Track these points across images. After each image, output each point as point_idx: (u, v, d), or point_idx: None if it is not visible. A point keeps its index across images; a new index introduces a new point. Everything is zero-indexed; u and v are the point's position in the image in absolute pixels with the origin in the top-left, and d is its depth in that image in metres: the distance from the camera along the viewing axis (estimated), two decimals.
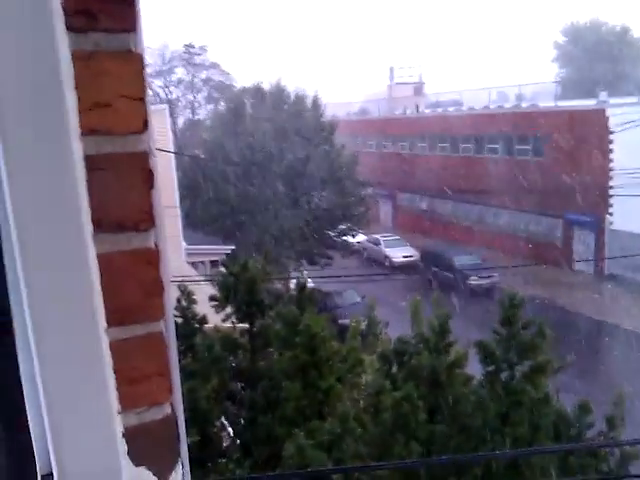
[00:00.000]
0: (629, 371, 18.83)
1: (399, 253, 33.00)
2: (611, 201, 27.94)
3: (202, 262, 22.44)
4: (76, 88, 0.81)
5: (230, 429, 7.41)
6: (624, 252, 24.03)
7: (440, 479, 6.14)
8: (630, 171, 24.50)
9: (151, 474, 0.93)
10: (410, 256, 32.63)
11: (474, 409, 6.43)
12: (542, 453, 6.14)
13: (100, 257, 0.86)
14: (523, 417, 6.28)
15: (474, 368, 7.07)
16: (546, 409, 6.47)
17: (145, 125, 0.86)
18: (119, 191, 0.86)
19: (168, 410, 0.93)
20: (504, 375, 6.62)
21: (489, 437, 6.27)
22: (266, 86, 28.54)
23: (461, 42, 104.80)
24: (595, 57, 55.08)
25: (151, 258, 0.89)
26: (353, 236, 30.03)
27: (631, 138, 25.55)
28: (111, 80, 0.83)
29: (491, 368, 6.63)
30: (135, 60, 0.85)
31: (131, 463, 0.91)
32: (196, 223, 26.63)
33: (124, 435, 0.90)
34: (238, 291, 7.45)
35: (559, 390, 6.94)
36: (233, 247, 22.83)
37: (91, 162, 0.83)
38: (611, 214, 28.06)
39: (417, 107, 44.44)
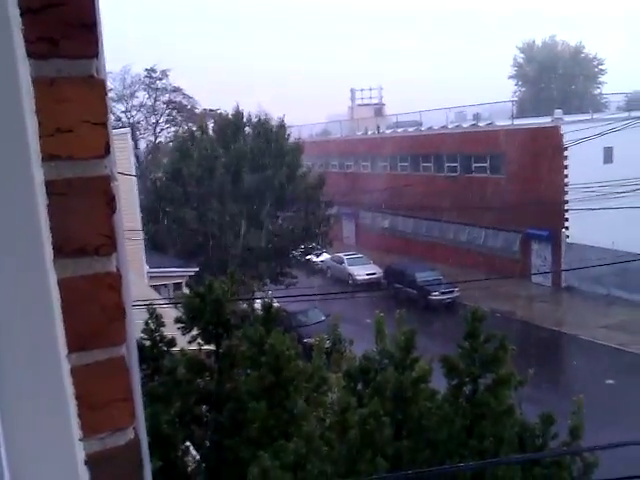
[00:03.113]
0: (588, 379, 19.25)
1: (362, 271, 33.19)
2: (567, 215, 28.73)
3: (165, 285, 22.13)
4: (37, 114, 0.81)
5: (195, 453, 7.28)
6: (580, 264, 24.68)
7: None
8: (584, 186, 25.30)
9: None
10: (373, 273, 32.85)
11: (439, 423, 6.48)
12: (506, 464, 6.21)
13: (61, 282, 0.85)
14: (487, 429, 6.35)
15: (438, 382, 7.14)
16: (510, 421, 6.56)
17: (107, 150, 0.87)
18: (80, 216, 0.86)
19: (131, 435, 0.93)
20: (468, 388, 6.70)
21: (455, 450, 6.32)
22: (229, 109, 28.62)
23: (420, 63, 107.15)
24: (550, 75, 56.90)
25: (113, 282, 0.89)
26: (317, 255, 30.10)
27: (584, 154, 26.42)
28: (73, 106, 0.83)
29: (455, 382, 6.70)
30: (97, 85, 0.85)
31: None
32: (159, 246, 26.30)
33: (86, 462, 0.89)
34: (204, 312, 7.38)
35: (520, 400, 7.05)
36: (197, 269, 22.60)
37: (52, 187, 0.83)
38: (567, 228, 28.84)
39: (378, 128, 45.07)
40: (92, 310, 0.88)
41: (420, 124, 41.48)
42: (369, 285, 31.87)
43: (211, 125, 29.22)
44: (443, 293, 27.64)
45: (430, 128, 39.04)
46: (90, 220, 0.86)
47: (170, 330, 7.77)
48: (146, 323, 7.33)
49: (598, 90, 56.98)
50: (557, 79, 56.88)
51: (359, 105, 55.33)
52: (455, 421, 6.37)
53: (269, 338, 6.59)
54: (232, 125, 27.63)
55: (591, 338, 23.05)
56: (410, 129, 41.31)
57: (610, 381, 19.29)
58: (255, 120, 28.20)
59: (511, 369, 6.66)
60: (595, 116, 31.37)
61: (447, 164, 36.01)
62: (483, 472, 6.27)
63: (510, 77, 61.51)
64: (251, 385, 6.63)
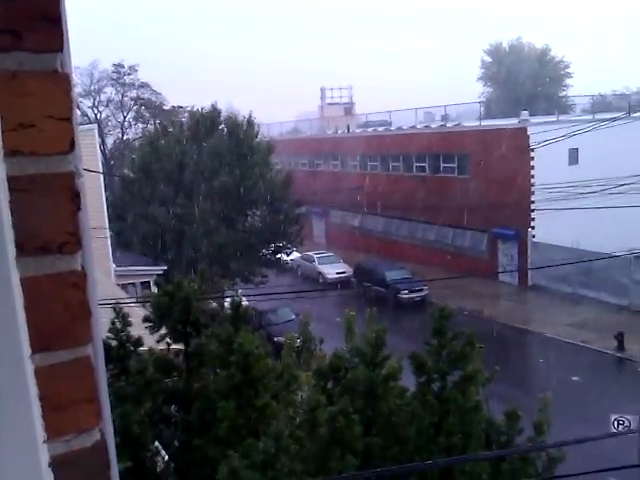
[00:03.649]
0: (554, 376, 19.64)
1: (333, 270, 33.29)
2: (533, 215, 29.24)
3: (132, 284, 21.84)
4: None
5: (164, 453, 7.22)
6: (545, 263, 25.15)
7: None
8: (550, 186, 25.78)
9: None
10: (343, 272, 32.96)
11: (408, 420, 6.54)
12: (474, 460, 6.30)
13: (24, 281, 0.83)
14: (455, 426, 6.43)
15: (407, 380, 7.20)
16: (477, 417, 6.65)
17: (72, 145, 0.85)
18: (44, 213, 0.84)
19: (97, 436, 0.91)
20: (436, 385, 6.78)
21: (424, 447, 6.38)
22: (200, 106, 28.37)
23: (390, 63, 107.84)
24: (517, 77, 57.84)
25: (77, 281, 0.87)
26: (287, 254, 30.06)
27: (550, 155, 26.92)
28: (36, 100, 0.82)
29: (423, 379, 6.77)
30: (61, 80, 0.84)
31: None
32: (126, 244, 25.94)
33: (50, 465, 0.87)
34: (173, 311, 7.31)
35: (487, 397, 7.16)
36: (165, 268, 22.36)
37: (14, 183, 0.81)
38: (533, 227, 29.36)
39: (348, 127, 45.23)
40: (56, 310, 0.86)
41: (390, 124, 41.73)
42: (339, 284, 31.97)
43: (182, 122, 28.97)
44: (412, 291, 27.87)
45: (399, 128, 39.31)
46: (54, 217, 0.85)
47: (138, 329, 7.68)
48: (112, 322, 7.22)
49: (564, 92, 58.10)
50: (524, 81, 57.83)
51: (329, 104, 55.48)
52: (424, 418, 6.44)
53: (238, 337, 6.56)
54: (207, 122, 27.38)
55: (557, 336, 23.50)
56: (380, 129, 41.54)
57: (575, 378, 19.71)
58: (226, 118, 28.05)
59: (478, 366, 6.76)
60: (561, 118, 31.98)
61: (416, 164, 36.33)
62: (452, 468, 6.35)
63: (478, 79, 62.40)
64: (220, 384, 6.59)
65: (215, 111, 27.96)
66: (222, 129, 27.75)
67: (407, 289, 27.83)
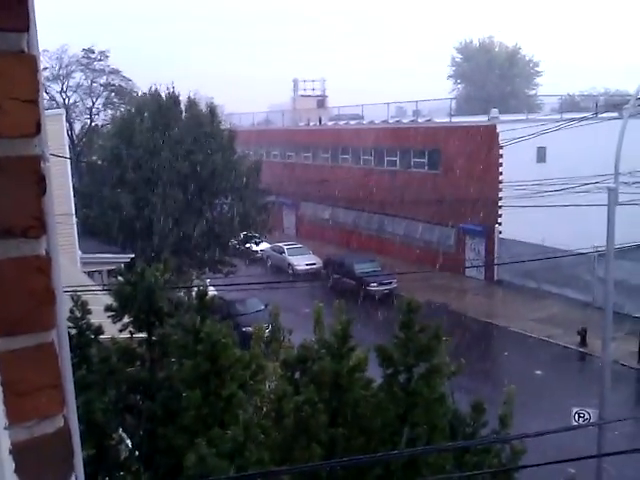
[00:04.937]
0: (518, 369, 20.04)
1: (302, 261, 33.32)
2: (500, 211, 29.68)
3: (99, 271, 21.54)
4: None
5: (129, 441, 7.16)
6: (512, 259, 25.56)
7: None
8: (517, 183, 26.17)
9: None
10: (313, 264, 33.03)
11: (374, 411, 6.60)
12: (438, 451, 6.40)
13: None
14: (420, 417, 6.51)
15: (374, 371, 7.27)
16: (442, 409, 6.75)
17: (37, 128, 0.84)
18: (8, 196, 0.83)
19: (61, 423, 0.90)
20: (402, 377, 6.85)
21: (389, 438, 6.45)
22: (168, 94, 27.87)
23: (363, 57, 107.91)
24: (487, 75, 58.50)
25: (42, 266, 0.86)
26: (257, 244, 29.95)
27: (519, 153, 27.32)
28: (0, 81, 0.80)
29: (390, 371, 6.83)
30: (27, 61, 0.82)
31: None
32: (93, 231, 25.53)
33: (12, 451, 0.86)
34: (136, 300, 7.22)
35: (452, 389, 7.26)
36: (132, 256, 22.08)
37: None
38: (500, 224, 29.80)
39: (320, 119, 45.18)
40: (19, 294, 0.85)
41: (362, 118, 41.82)
42: (309, 275, 32.03)
43: (150, 109, 28.43)
44: (381, 284, 28.07)
45: (371, 122, 39.42)
46: (18, 201, 0.83)
47: (102, 318, 7.56)
48: (71, 311, 7.08)
49: (533, 91, 58.99)
50: (494, 79, 58.51)
51: (302, 96, 55.31)
52: (389, 409, 6.51)
53: (204, 326, 6.53)
54: (172, 110, 26.98)
55: (521, 330, 23.94)
56: (352, 122, 41.61)
57: (538, 372, 20.13)
58: (192, 104, 27.72)
59: (444, 358, 6.85)
60: (530, 116, 32.44)
61: (387, 158, 36.50)
62: (416, 459, 6.44)
63: (449, 76, 62.89)
64: (186, 373, 6.56)
65: (175, 96, 27.54)
66: (185, 115, 27.42)
67: (376, 282, 28.02)
